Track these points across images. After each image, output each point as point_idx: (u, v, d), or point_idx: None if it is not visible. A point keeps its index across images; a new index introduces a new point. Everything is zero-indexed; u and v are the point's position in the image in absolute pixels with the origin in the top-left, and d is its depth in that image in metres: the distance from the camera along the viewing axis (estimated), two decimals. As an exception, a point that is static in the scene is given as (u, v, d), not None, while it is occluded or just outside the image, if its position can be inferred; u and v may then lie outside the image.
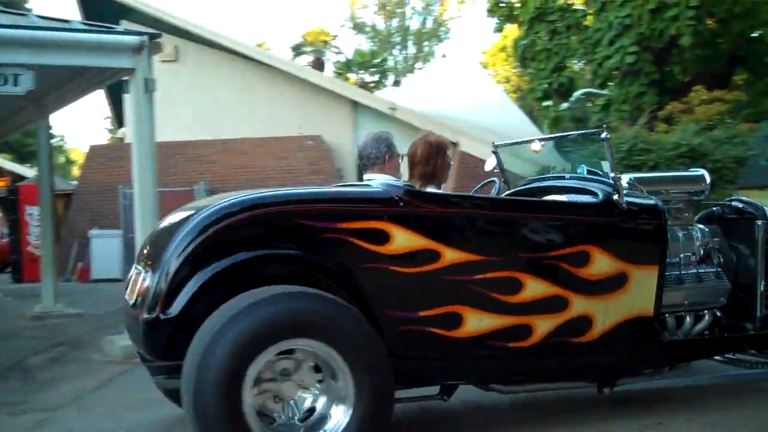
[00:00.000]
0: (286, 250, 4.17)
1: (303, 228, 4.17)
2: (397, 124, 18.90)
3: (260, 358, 3.78)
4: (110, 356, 7.84)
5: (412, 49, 50.97)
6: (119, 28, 9.49)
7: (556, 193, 5.36)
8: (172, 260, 4.05)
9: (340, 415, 3.91)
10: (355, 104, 19.69)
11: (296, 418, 3.97)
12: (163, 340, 4.02)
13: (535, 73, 19.11)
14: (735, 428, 4.70)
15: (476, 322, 4.39)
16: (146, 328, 4.06)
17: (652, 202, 5.02)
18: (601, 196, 4.93)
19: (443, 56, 48.34)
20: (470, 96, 23.00)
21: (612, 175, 4.88)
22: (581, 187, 5.21)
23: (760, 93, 19.40)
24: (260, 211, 4.19)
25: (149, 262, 4.35)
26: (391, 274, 4.24)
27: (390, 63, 47.38)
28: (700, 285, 5.24)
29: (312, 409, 4.00)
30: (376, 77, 38.86)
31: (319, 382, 4.02)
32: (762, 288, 5.38)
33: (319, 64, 29.78)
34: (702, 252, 5.41)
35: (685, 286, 5.17)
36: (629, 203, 4.87)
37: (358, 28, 49.54)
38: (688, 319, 5.17)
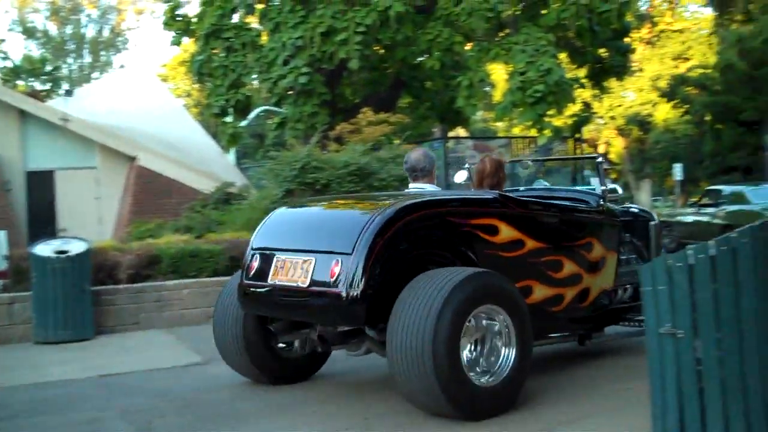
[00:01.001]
0: (447, 239, 5.48)
1: (451, 224, 5.50)
2: (70, 136, 18.21)
3: (469, 317, 4.98)
4: None
5: (87, 58, 49.07)
6: None
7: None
8: (370, 247, 5.07)
9: (506, 352, 5.18)
10: (23, 113, 18.65)
11: (479, 357, 5.19)
12: (364, 310, 5.08)
13: (213, 89, 19.13)
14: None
15: (538, 292, 5.88)
16: (349, 302, 5.05)
17: (613, 207, 6.94)
18: (593, 203, 6.71)
19: (121, 67, 47.11)
20: (149, 109, 22.64)
21: (602, 188, 6.78)
22: (568, 196, 7.00)
23: (421, 116, 20.90)
24: (427, 211, 5.49)
25: (325, 249, 5.32)
26: (498, 257, 5.63)
27: (64, 71, 45.30)
28: (629, 267, 6.93)
29: (486, 350, 5.21)
30: (47, 86, 36.96)
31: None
32: None
33: (-18, 70, 27.85)
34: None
35: (622, 268, 6.83)
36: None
37: (28, 33, 46.83)
38: (620, 291, 6.83)
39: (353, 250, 5.11)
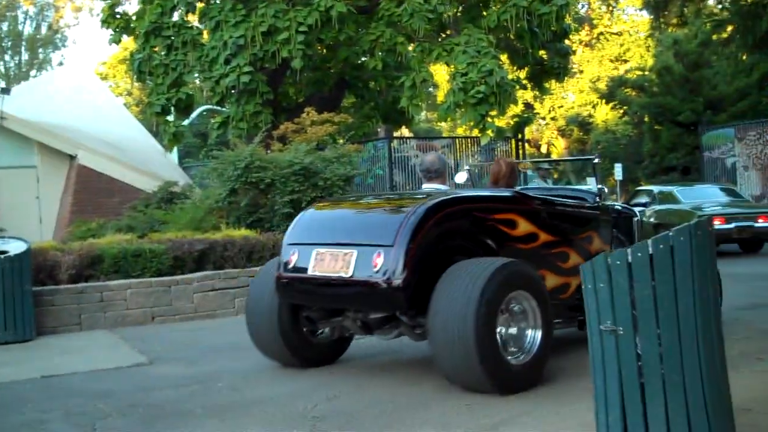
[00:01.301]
0: (473, 232, 6.06)
1: (477, 218, 6.09)
2: (8, 135, 17.87)
3: (503, 302, 5.53)
4: None
5: (25, 56, 48.18)
6: None
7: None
8: (411, 239, 5.58)
9: (532, 333, 5.74)
10: (-42, 112, 18.22)
11: (509, 337, 5.69)
12: (406, 297, 5.59)
13: (154, 87, 18.88)
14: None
15: (549, 281, 6.35)
16: (392, 290, 5.56)
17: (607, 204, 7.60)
18: (590, 200, 7.39)
19: (60, 64, 46.37)
20: (88, 107, 22.32)
21: (598, 186, 7.45)
22: (567, 194, 7.64)
23: (365, 116, 20.89)
24: (457, 206, 6.05)
25: (366, 242, 5.82)
26: (517, 249, 6.19)
27: (1, 68, 44.42)
28: None
29: (515, 332, 5.73)
30: (-17, 83, 36.17)
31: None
32: None
33: None
34: None
35: None
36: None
37: (-37, 29, 45.79)
38: None
39: (394, 242, 5.61)
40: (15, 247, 8.90)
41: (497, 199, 6.45)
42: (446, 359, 5.46)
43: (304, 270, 6.14)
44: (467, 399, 5.44)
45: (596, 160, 7.73)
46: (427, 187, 6.84)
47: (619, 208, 8.13)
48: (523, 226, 6.33)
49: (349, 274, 5.79)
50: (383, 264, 5.60)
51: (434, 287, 5.58)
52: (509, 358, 5.57)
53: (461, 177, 8.13)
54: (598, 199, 7.39)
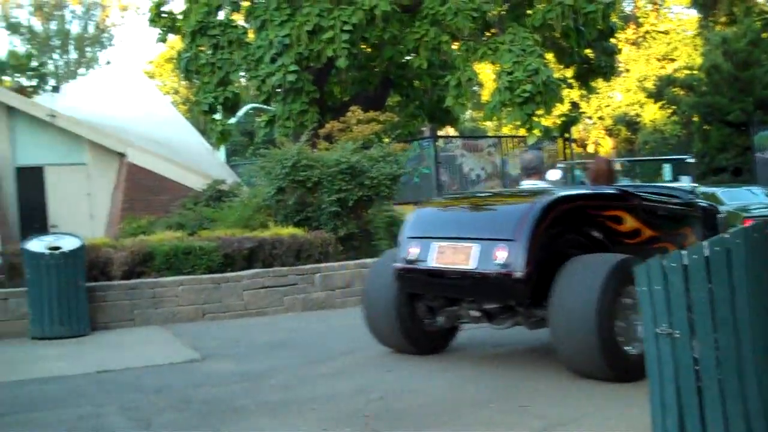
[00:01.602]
0: (584, 228, 6.39)
1: (588, 215, 6.46)
2: (57, 132, 18.15)
3: (621, 295, 5.78)
4: None
5: (73, 54, 48.82)
6: None
7: None
8: (533, 234, 5.91)
9: None
10: (10, 109, 18.55)
11: (624, 329, 5.84)
12: (528, 288, 5.94)
13: (201, 86, 19.08)
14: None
15: None
16: (514, 282, 5.90)
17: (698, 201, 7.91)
18: (684, 199, 7.63)
19: (108, 63, 46.89)
20: (136, 105, 22.58)
21: (692, 185, 7.37)
22: (662, 192, 7.83)
23: (410, 115, 20.91)
24: (571, 203, 6.40)
25: (487, 237, 6.17)
26: (623, 244, 6.48)
27: (50, 67, 45.12)
28: None
29: (629, 324, 5.87)
30: (33, 81, 36.76)
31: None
32: None
33: (-32, 65, 27.70)
34: None
35: None
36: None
37: (13, 28, 46.49)
38: None
39: (515, 236, 5.96)
40: (69, 243, 9.07)
41: (606, 197, 6.81)
42: (567, 348, 5.82)
43: (425, 262, 6.51)
44: (523, 400, 5.46)
45: (690, 160, 7.99)
46: (526, 183, 7.26)
47: (705, 205, 8.30)
48: (629, 223, 6.66)
49: (471, 266, 6.15)
50: (506, 257, 5.94)
51: (551, 279, 5.91)
52: (627, 348, 5.80)
53: (555, 174, 8.38)
54: (691, 197, 7.66)
